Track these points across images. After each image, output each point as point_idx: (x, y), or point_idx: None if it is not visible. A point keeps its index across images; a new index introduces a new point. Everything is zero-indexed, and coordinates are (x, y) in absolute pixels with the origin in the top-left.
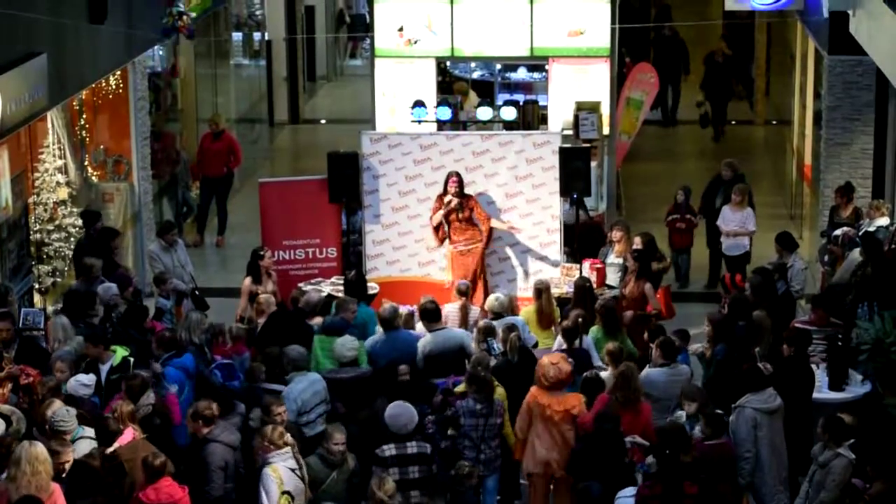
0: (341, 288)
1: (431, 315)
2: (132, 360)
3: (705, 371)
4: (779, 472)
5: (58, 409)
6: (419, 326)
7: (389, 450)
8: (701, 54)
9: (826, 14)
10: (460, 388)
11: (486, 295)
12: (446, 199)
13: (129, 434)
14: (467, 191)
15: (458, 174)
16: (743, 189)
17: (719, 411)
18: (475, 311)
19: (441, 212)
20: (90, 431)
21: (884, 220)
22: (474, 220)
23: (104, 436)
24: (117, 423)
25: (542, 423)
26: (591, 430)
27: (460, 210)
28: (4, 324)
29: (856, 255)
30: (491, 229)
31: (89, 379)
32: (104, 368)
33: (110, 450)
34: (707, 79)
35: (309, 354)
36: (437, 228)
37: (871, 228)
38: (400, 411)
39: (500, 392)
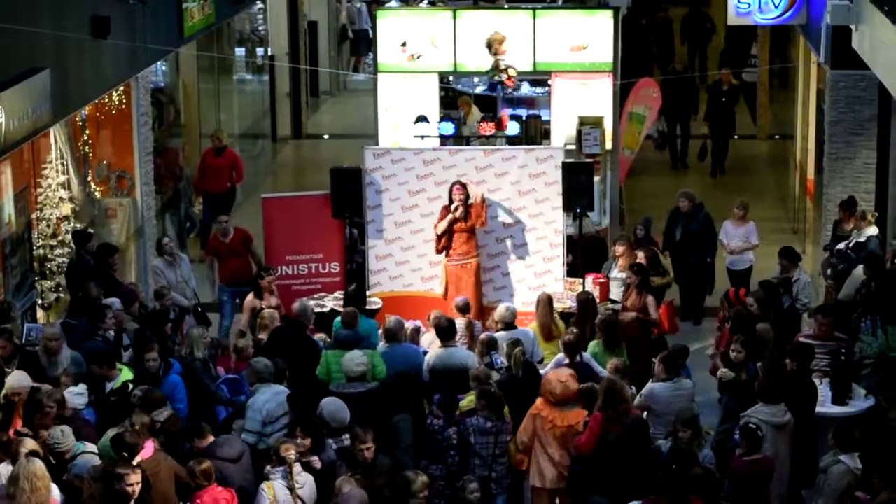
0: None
1: (445, 333)
2: (131, 385)
3: (729, 395)
4: (778, 486)
5: (52, 430)
6: (423, 340)
7: (332, 444)
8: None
9: (828, 28)
10: (465, 402)
11: (481, 310)
12: (452, 206)
13: (150, 447)
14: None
15: (461, 183)
16: (745, 203)
17: (752, 425)
18: (478, 325)
19: (448, 219)
20: (91, 446)
21: (872, 230)
22: (476, 232)
23: (126, 448)
24: (136, 437)
25: (546, 437)
26: (592, 450)
27: (465, 219)
28: (1, 340)
29: (860, 271)
30: (483, 204)
31: (81, 388)
32: (109, 386)
33: (134, 464)
34: (710, 110)
35: (314, 368)
36: (440, 238)
37: (861, 239)
38: (338, 407)
39: (504, 412)
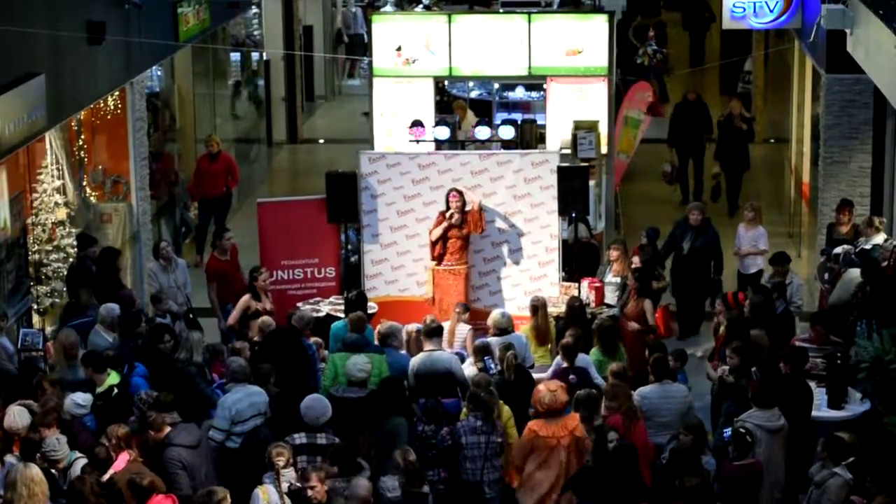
0: (340, 307)
1: (430, 333)
2: (116, 389)
3: (731, 400)
4: (771, 491)
5: (48, 438)
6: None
7: (300, 438)
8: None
9: (823, 32)
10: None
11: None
12: (448, 213)
13: (123, 459)
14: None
15: (458, 190)
16: (755, 205)
17: (741, 430)
18: (465, 328)
19: (443, 225)
20: (79, 454)
21: (880, 237)
22: (470, 239)
23: (96, 462)
24: (108, 450)
25: (547, 455)
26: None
27: (460, 227)
28: None
29: (854, 273)
30: (481, 212)
31: (84, 399)
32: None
33: (106, 477)
34: (721, 144)
35: (308, 372)
36: (434, 244)
37: (868, 246)
38: (314, 403)
39: (506, 410)
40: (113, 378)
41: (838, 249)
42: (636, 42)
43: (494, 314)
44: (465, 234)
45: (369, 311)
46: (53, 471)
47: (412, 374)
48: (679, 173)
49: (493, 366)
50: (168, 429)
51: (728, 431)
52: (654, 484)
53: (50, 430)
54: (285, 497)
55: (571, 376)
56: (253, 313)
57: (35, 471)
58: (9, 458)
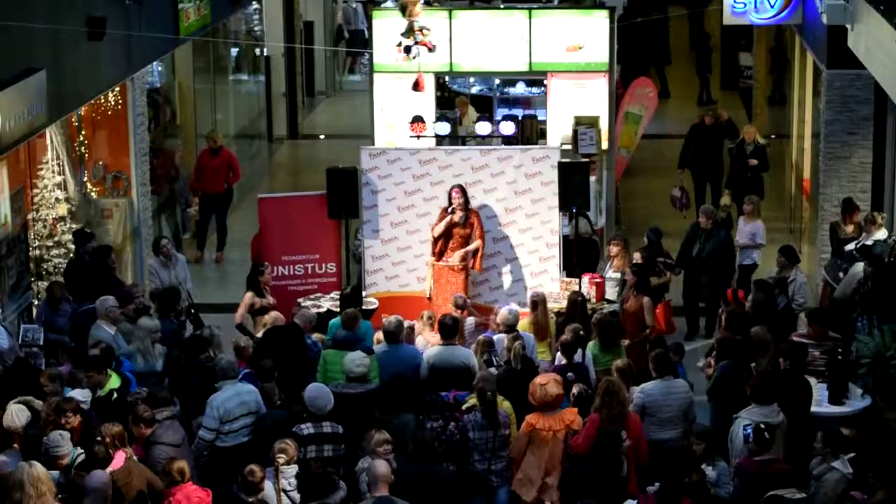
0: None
1: (448, 330)
2: (115, 394)
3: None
4: None
5: (51, 434)
6: (419, 341)
7: (307, 428)
8: None
9: (824, 28)
10: (470, 400)
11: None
12: (450, 210)
13: (121, 457)
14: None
15: (461, 186)
16: (753, 199)
17: (762, 425)
18: (469, 322)
19: (445, 221)
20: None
21: (882, 234)
22: (472, 239)
23: (94, 462)
24: (106, 449)
25: (544, 447)
26: (588, 450)
27: (463, 225)
28: None
29: (858, 269)
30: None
31: (83, 395)
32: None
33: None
34: (734, 173)
35: (308, 369)
36: (436, 240)
37: (869, 242)
38: (319, 393)
39: (506, 406)
40: (114, 381)
41: (850, 246)
42: (404, 17)
43: (502, 311)
44: (466, 233)
45: (371, 307)
46: (56, 469)
47: (427, 366)
48: (689, 199)
49: (496, 360)
50: (155, 426)
51: (750, 428)
52: (662, 483)
53: (75, 416)
54: (283, 494)
55: (570, 374)
56: (258, 309)
57: (40, 469)
58: (2, 457)
